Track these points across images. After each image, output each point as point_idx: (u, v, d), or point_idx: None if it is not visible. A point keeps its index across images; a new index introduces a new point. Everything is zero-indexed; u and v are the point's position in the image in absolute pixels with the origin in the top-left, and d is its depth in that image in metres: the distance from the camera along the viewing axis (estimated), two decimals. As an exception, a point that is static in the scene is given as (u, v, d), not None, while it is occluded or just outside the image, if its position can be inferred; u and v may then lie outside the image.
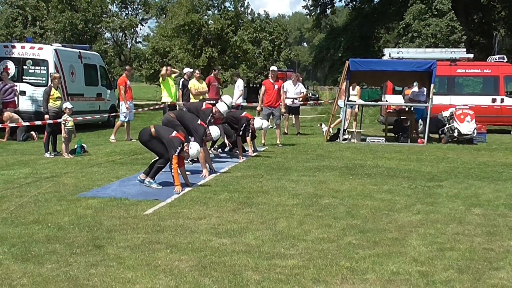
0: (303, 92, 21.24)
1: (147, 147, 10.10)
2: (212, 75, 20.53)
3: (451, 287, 5.12)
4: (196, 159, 11.60)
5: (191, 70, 19.33)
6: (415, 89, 18.86)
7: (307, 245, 6.34)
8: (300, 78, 23.76)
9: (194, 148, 9.66)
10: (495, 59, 23.25)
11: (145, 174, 9.92)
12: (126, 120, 17.45)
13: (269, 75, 16.43)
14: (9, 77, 19.26)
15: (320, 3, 44.60)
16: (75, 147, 13.94)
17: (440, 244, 6.41)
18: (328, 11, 46.87)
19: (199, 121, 10.97)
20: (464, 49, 24.32)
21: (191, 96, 17.82)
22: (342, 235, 6.77)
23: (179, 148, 9.44)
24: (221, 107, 12.05)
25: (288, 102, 19.31)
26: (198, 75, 18.52)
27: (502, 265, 5.73)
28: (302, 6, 53.40)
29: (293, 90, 20.51)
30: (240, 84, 21.59)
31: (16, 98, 18.48)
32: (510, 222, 7.47)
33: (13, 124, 15.73)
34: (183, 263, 5.66)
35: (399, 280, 5.27)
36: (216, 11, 45.86)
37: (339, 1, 63.53)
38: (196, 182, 10.15)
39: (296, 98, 20.55)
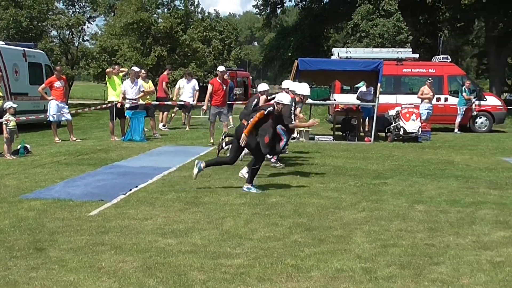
0: (197, 90, 21.65)
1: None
2: (165, 73, 20.52)
3: (393, 282, 5.21)
4: None
5: (137, 69, 19.12)
6: (363, 88, 19.12)
7: (254, 244, 6.36)
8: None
9: None
10: (440, 59, 23.73)
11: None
12: (54, 120, 17.02)
13: (218, 74, 16.36)
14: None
15: (270, 2, 44.69)
16: (18, 147, 13.61)
17: (383, 241, 6.52)
18: (278, 11, 47.05)
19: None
20: (410, 49, 24.73)
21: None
22: (288, 234, 6.81)
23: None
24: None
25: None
26: (144, 74, 18.38)
27: (442, 260, 5.86)
28: (253, 6, 53.60)
29: (188, 87, 21.43)
30: (195, 84, 21.63)
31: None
32: (451, 218, 7.64)
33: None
34: (127, 265, 5.61)
35: (343, 277, 5.33)
36: (165, 10, 45.52)
37: (289, 1, 64.33)
38: (142, 182, 10.06)
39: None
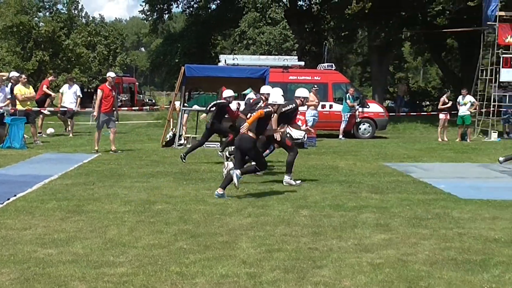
0: (79, 96, 21.30)
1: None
2: (49, 79, 19.82)
3: (277, 286, 5.26)
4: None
5: (17, 74, 18.37)
6: (251, 95, 19.21)
7: (138, 252, 6.25)
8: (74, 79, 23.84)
9: None
10: (325, 66, 24.41)
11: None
12: None
13: (107, 80, 15.92)
14: None
15: (157, 8, 44.23)
16: None
17: (268, 246, 6.57)
18: (165, 17, 46.72)
19: None
20: (296, 57, 25.30)
21: (17, 102, 17.00)
22: (173, 241, 6.73)
23: None
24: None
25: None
26: (25, 80, 17.71)
27: (325, 263, 5.98)
28: (139, 11, 52.84)
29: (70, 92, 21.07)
30: (77, 89, 21.06)
31: None
32: (334, 222, 7.82)
33: None
34: (3, 276, 5.35)
35: (228, 283, 5.33)
36: (47, 13, 44.10)
37: (176, 7, 64.30)
38: (21, 191, 9.65)
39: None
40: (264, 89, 13.01)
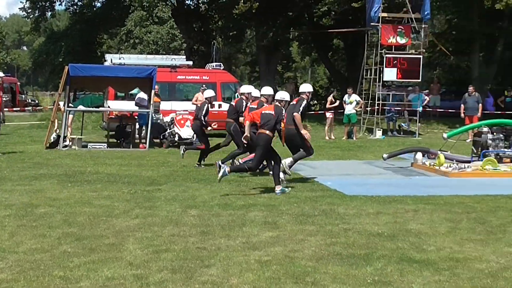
0: None
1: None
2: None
3: (164, 287, 5.20)
4: None
5: None
6: (141, 95, 18.92)
7: (19, 257, 6.02)
8: None
9: None
10: (213, 66, 24.43)
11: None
12: None
13: None
14: None
15: (38, 5, 42.67)
16: None
17: (156, 247, 6.49)
18: (48, 14, 45.21)
19: None
20: (184, 56, 25.18)
21: None
22: (57, 244, 6.53)
23: None
24: None
25: None
26: None
27: (213, 262, 5.98)
28: (19, 8, 50.87)
29: None
30: None
31: None
32: (223, 221, 7.84)
33: None
34: None
35: (114, 285, 5.24)
36: None
37: (59, 5, 62.02)
38: None
39: None
40: (245, 88, 13.44)
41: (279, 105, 10.57)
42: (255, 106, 11.95)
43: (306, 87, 12.18)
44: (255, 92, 13.07)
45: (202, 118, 13.71)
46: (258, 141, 10.30)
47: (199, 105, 14.47)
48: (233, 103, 13.68)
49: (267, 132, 10.15)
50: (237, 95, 15.30)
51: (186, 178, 11.69)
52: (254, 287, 5.31)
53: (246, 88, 13.49)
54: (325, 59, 42.34)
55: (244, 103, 12.94)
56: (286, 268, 5.83)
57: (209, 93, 13.98)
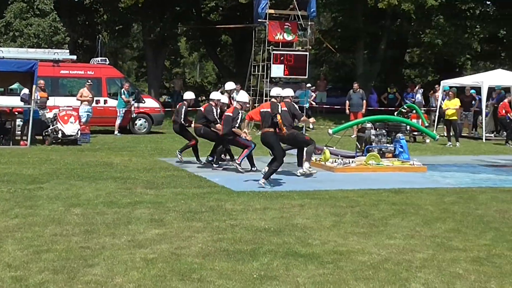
0: None
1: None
2: None
3: (44, 289, 5.04)
4: None
5: None
6: (26, 90, 18.18)
7: None
8: None
9: None
10: (98, 61, 23.84)
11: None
12: None
13: None
14: None
15: None
16: None
17: (37, 247, 6.28)
18: None
19: None
20: (68, 50, 24.39)
21: None
22: None
23: None
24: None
25: None
26: None
27: (97, 261, 5.86)
28: None
29: None
30: None
31: None
32: (108, 219, 7.69)
33: None
34: None
35: (-10, 290, 4.99)
36: None
37: None
38: None
39: None
40: (229, 85, 14.26)
41: (275, 101, 11.24)
42: (231, 114, 12.29)
43: (288, 92, 12.14)
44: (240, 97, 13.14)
45: (182, 122, 13.72)
46: (267, 141, 11.04)
47: (177, 107, 14.12)
48: (201, 108, 13.78)
49: (270, 129, 10.88)
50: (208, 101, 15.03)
51: (70, 176, 11.36)
52: (139, 286, 5.24)
53: (230, 85, 14.20)
54: (213, 55, 42.34)
55: (214, 110, 13.10)
56: (172, 265, 5.79)
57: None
